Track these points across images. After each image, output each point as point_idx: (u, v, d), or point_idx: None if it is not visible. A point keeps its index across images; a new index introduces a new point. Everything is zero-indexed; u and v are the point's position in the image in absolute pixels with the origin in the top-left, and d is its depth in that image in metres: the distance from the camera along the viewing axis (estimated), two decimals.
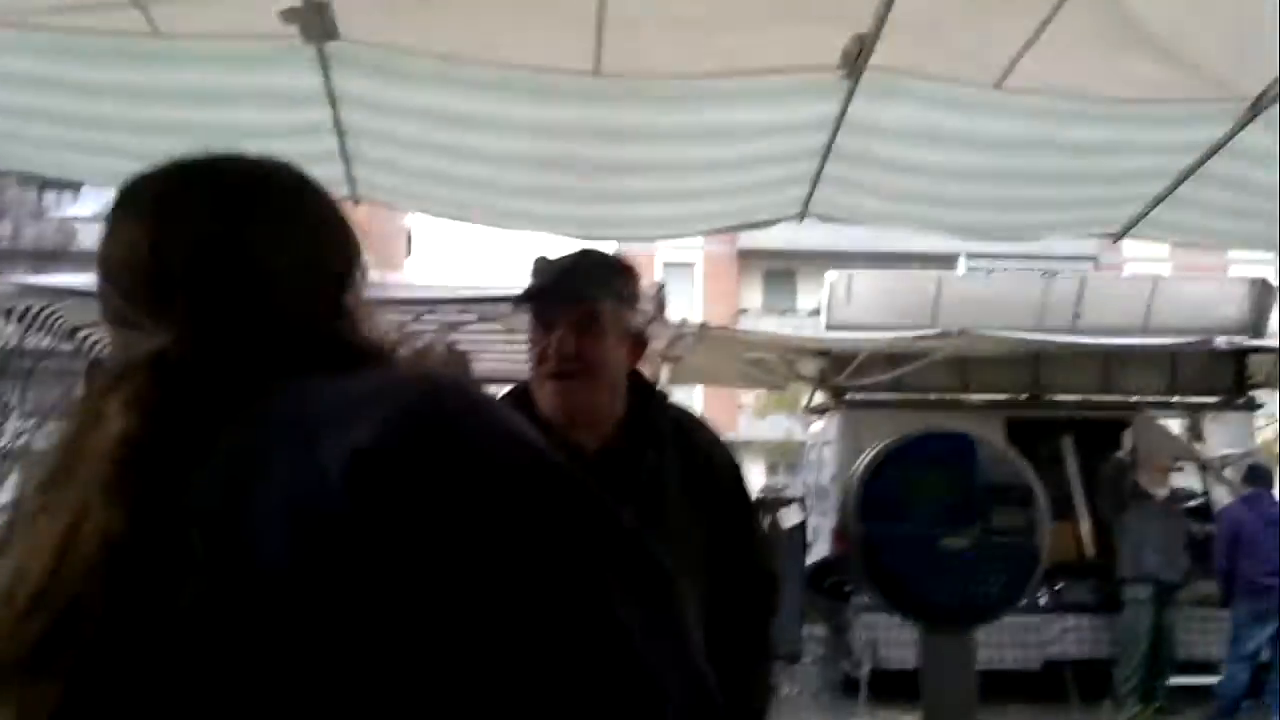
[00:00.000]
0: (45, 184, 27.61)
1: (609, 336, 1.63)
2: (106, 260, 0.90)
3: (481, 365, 9.74)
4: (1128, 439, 9.53)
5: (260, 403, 0.76)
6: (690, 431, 1.74)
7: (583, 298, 1.64)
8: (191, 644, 0.68)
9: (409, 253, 38.37)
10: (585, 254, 1.77)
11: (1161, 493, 8.25)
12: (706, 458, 1.73)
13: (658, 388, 1.76)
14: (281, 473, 0.71)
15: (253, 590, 0.68)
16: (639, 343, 1.73)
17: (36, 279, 9.17)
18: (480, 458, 0.73)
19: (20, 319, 8.39)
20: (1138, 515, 7.95)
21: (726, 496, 1.73)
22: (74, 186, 30.07)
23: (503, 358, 10.25)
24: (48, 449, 0.80)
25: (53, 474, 0.76)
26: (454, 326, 9.26)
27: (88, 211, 31.21)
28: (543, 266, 1.70)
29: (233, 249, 0.86)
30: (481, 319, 9.13)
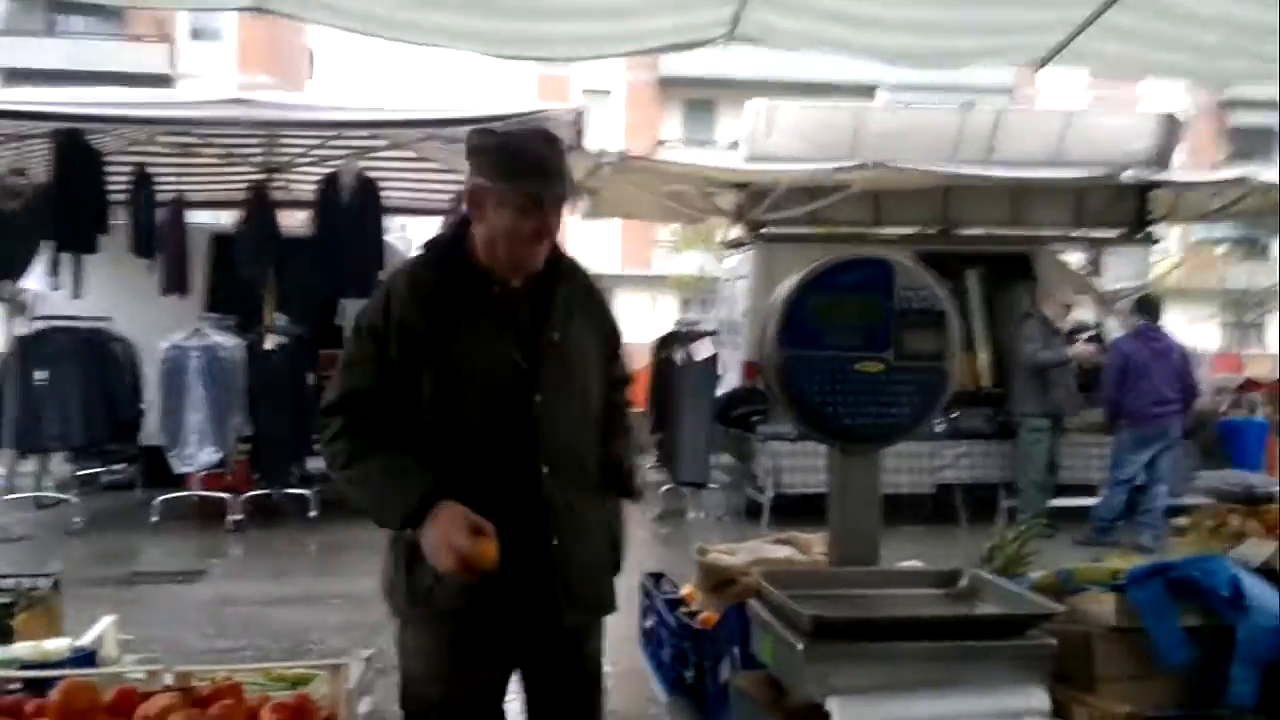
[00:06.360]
0: None
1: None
2: None
3: (391, 194, 9.45)
4: (1033, 273, 9.81)
5: None
6: (585, 275, 2.48)
7: (568, 195, 2.33)
8: None
9: (311, 74, 36.64)
10: (553, 143, 2.32)
11: (1064, 327, 8.53)
12: (596, 293, 2.49)
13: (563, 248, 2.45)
14: None
15: None
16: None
17: None
18: None
19: None
20: (1045, 351, 8.22)
21: (609, 320, 2.52)
22: None
23: (415, 187, 9.96)
24: None
25: None
26: (363, 152, 8.92)
27: None
28: (530, 147, 2.27)
29: None
30: (393, 145, 8.79)
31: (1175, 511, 8.25)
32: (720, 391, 9.42)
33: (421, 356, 2.23)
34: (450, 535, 2.11)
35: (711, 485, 9.33)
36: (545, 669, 2.41)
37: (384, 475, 2.22)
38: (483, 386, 2.26)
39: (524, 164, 2.24)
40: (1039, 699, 2.08)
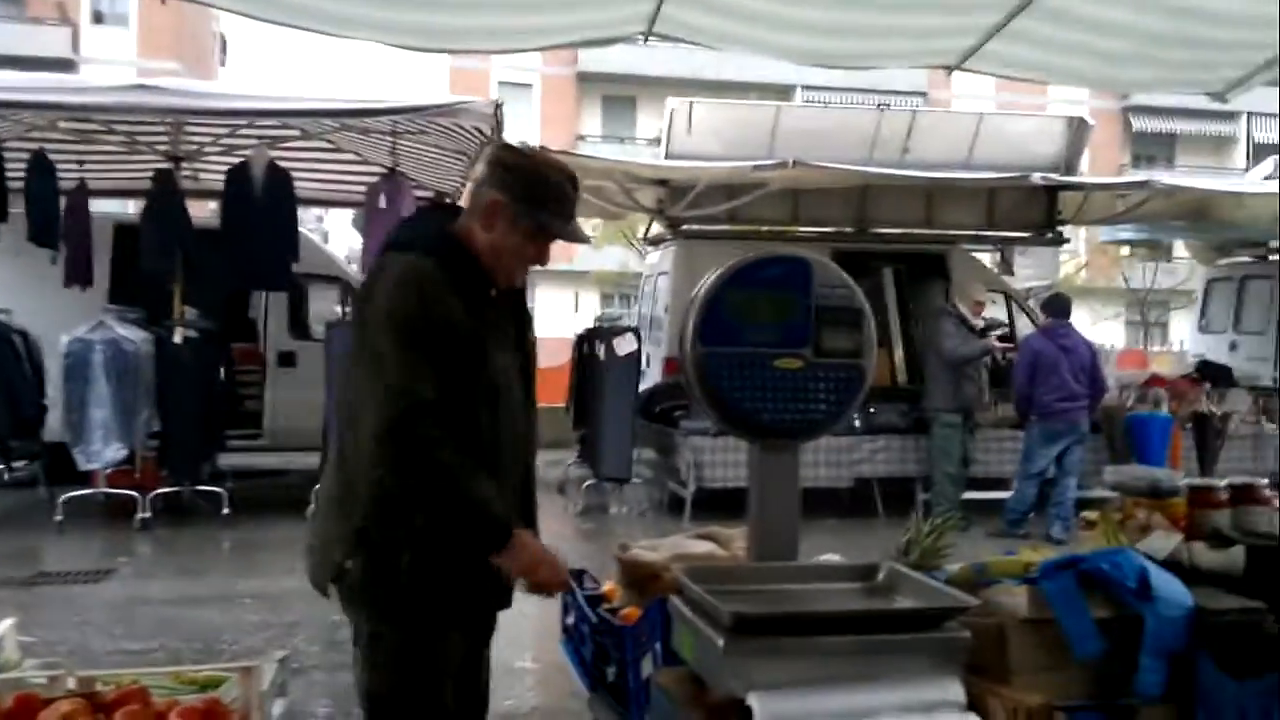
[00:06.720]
0: None
1: None
2: None
3: (305, 185, 9.25)
4: (947, 272, 10.02)
5: None
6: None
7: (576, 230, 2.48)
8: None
9: (223, 61, 35.73)
10: (574, 180, 2.42)
11: (977, 324, 8.73)
12: None
13: None
14: None
15: None
16: None
17: None
18: None
19: None
20: (964, 346, 8.40)
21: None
22: None
23: (329, 178, 9.77)
24: None
25: None
26: (274, 142, 8.70)
27: None
28: (556, 179, 2.38)
29: None
30: (305, 135, 8.59)
31: (1083, 504, 8.54)
32: (643, 387, 9.43)
33: (464, 355, 2.25)
34: (551, 555, 2.30)
35: (634, 480, 9.34)
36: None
37: (485, 495, 2.22)
38: (506, 386, 2.35)
39: (549, 196, 2.37)
40: (954, 691, 2.12)
